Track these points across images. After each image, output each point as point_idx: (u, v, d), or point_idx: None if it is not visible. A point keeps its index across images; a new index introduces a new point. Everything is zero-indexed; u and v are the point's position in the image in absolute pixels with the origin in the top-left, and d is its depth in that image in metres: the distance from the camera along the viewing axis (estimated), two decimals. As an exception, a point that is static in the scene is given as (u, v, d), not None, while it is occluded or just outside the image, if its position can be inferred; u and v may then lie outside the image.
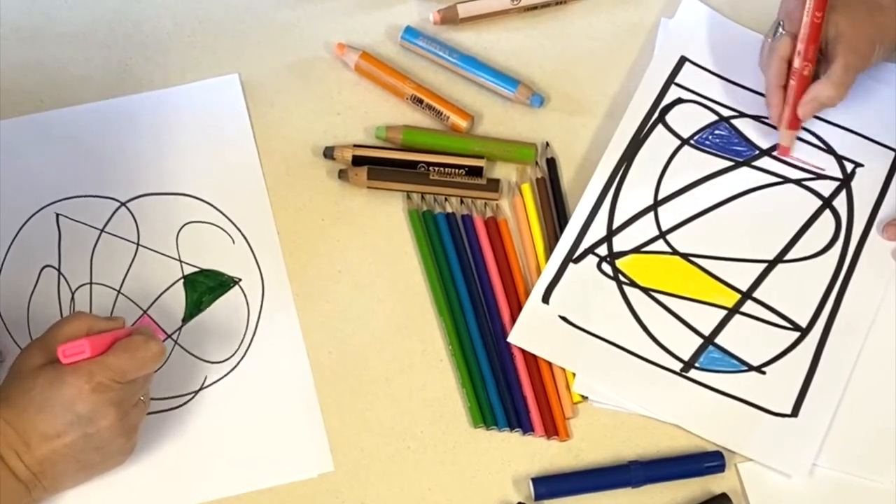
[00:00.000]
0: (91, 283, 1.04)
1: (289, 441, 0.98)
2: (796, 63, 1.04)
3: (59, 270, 1.04)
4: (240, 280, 1.04)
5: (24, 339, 1.00)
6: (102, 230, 1.06)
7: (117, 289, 1.03)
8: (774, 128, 1.09)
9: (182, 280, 1.04)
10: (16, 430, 0.87)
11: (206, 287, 1.04)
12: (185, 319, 1.03)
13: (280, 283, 1.04)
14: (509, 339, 1.01)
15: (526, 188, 1.07)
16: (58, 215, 1.06)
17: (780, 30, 1.05)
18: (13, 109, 1.10)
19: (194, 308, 1.03)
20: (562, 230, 1.06)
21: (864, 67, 1.05)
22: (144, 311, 1.03)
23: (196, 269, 1.05)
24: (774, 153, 1.09)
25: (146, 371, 0.91)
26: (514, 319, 1.02)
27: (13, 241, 1.05)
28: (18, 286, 1.03)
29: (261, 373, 1.01)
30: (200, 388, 1.00)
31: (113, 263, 1.04)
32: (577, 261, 1.04)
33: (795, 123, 1.06)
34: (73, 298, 1.03)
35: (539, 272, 1.04)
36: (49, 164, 1.08)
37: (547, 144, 1.10)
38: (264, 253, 1.05)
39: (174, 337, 1.02)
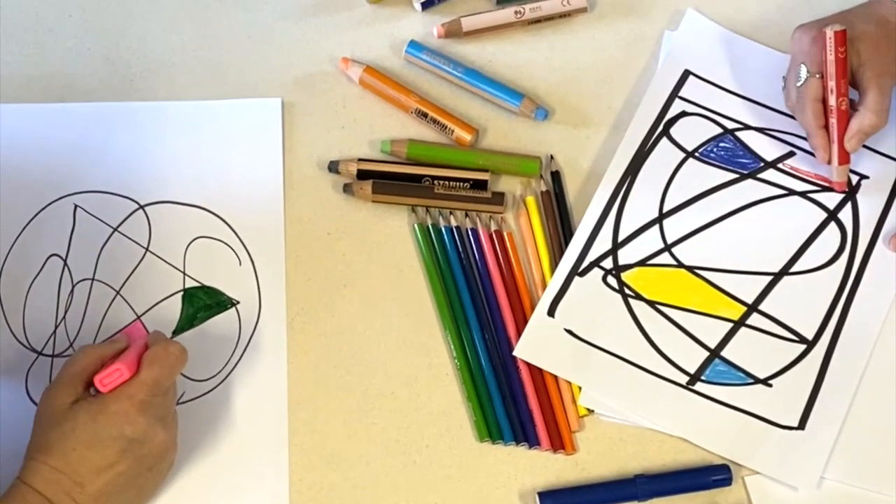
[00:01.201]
0: (93, 280, 1.04)
1: (252, 476, 0.97)
2: (832, 101, 1.04)
3: (65, 261, 1.04)
4: (238, 303, 1.04)
5: (17, 322, 1.02)
6: (116, 229, 1.06)
7: (117, 289, 1.04)
8: (780, 140, 1.09)
9: (182, 292, 1.04)
10: (66, 475, 0.87)
11: (203, 304, 1.04)
12: (176, 332, 1.03)
13: (277, 314, 1.03)
14: (515, 353, 1.01)
15: (531, 201, 1.08)
16: (76, 206, 1.06)
17: (804, 73, 1.05)
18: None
19: (187, 322, 1.03)
20: (567, 243, 1.06)
21: (893, 85, 1.05)
22: (138, 317, 1.03)
23: (198, 284, 1.05)
24: (779, 165, 1.09)
25: (176, 375, 0.92)
26: (519, 333, 1.02)
27: (28, 223, 1.05)
28: (23, 269, 1.04)
29: (238, 400, 1.00)
30: (176, 404, 0.99)
31: (118, 263, 1.05)
32: (582, 274, 1.04)
33: (846, 158, 1.06)
34: (72, 291, 1.03)
35: (544, 285, 1.04)
36: (75, 154, 1.08)
37: (551, 157, 1.10)
38: (268, 281, 1.05)
39: None
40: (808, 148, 1.09)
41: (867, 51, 1.04)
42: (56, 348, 1.02)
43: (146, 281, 1.04)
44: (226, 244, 1.06)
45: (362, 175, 1.08)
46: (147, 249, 1.05)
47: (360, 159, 1.09)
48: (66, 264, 1.04)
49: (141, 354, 0.91)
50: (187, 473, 0.97)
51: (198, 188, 1.08)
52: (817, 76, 1.04)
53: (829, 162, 1.06)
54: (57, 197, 1.06)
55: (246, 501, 0.97)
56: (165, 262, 1.05)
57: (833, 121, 1.05)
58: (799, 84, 1.06)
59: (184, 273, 1.05)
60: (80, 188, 1.07)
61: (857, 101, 1.05)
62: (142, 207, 1.07)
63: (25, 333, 1.02)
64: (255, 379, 1.01)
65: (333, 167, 1.09)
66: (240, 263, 1.05)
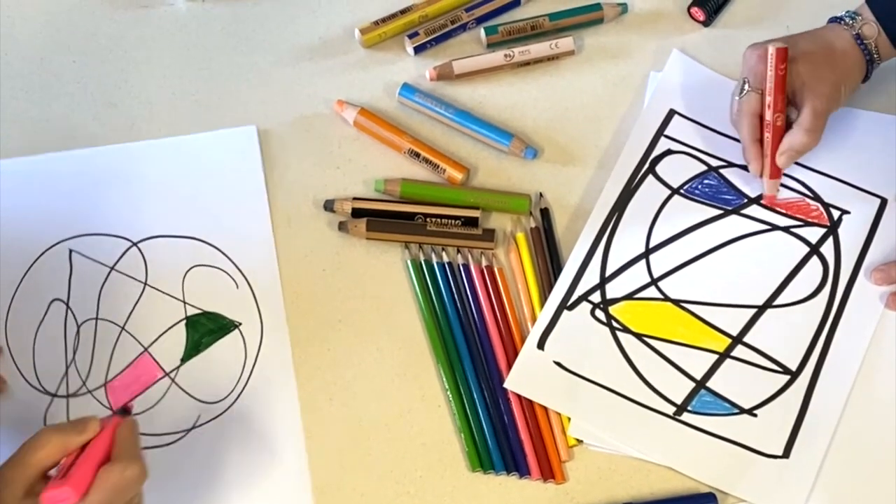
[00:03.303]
0: (97, 319, 1.06)
1: (274, 486, 1.00)
2: (768, 116, 1.08)
3: (67, 304, 1.06)
4: (240, 324, 1.07)
5: (28, 369, 1.04)
6: (112, 268, 1.08)
7: (121, 325, 1.06)
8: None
9: (184, 320, 1.07)
10: None
11: (206, 329, 1.06)
12: (184, 359, 1.05)
13: (279, 329, 1.06)
14: (506, 385, 1.03)
15: (521, 237, 1.10)
16: (71, 251, 1.09)
17: (746, 87, 1.09)
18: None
19: (193, 349, 1.06)
20: (556, 278, 1.08)
21: (832, 110, 1.08)
22: (146, 349, 1.05)
23: (199, 311, 1.07)
24: (762, 202, 1.12)
25: (131, 496, 0.87)
26: (510, 365, 1.04)
27: (26, 273, 1.08)
28: (27, 317, 1.06)
29: (252, 416, 1.03)
30: (192, 427, 1.02)
31: (119, 300, 1.07)
32: (571, 308, 1.07)
33: (777, 173, 1.09)
34: (78, 332, 1.05)
35: (534, 319, 1.07)
36: (65, 201, 1.11)
37: (541, 195, 1.13)
38: (266, 299, 1.08)
39: (172, 375, 1.05)
40: (791, 184, 1.12)
41: (808, 72, 1.07)
42: (70, 388, 1.04)
43: (148, 314, 1.07)
44: (221, 270, 1.09)
45: (357, 213, 1.11)
46: (145, 284, 1.08)
47: (354, 198, 1.11)
48: (68, 307, 1.07)
49: (101, 463, 0.86)
50: (218, 490, 1.00)
51: (187, 219, 1.11)
52: (758, 91, 1.08)
53: (761, 175, 1.09)
54: (52, 244, 1.09)
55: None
56: (165, 293, 1.08)
57: (768, 135, 1.08)
58: (739, 97, 1.09)
59: (184, 302, 1.07)
60: (72, 233, 1.09)
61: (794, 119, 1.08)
62: (135, 244, 1.09)
63: (38, 377, 1.04)
64: (266, 395, 1.04)
65: (329, 206, 1.11)
66: (237, 287, 1.08)
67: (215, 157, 1.14)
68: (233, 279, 1.08)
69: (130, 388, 1.04)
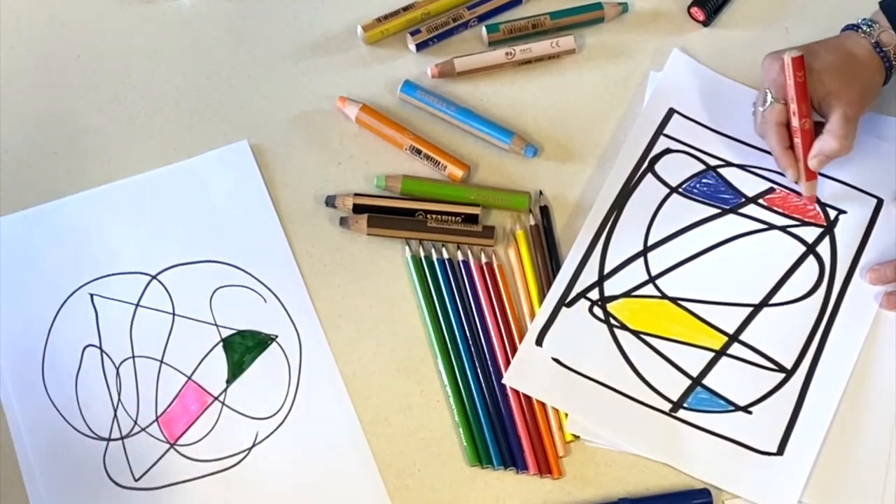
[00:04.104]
0: (133, 357, 1.06)
1: (344, 484, 1.01)
2: (794, 123, 1.08)
3: (100, 348, 1.06)
4: (276, 337, 1.07)
5: (76, 419, 1.03)
6: (137, 304, 1.08)
7: (160, 359, 1.06)
8: (760, 176, 1.13)
9: (221, 343, 1.07)
10: None
11: (244, 347, 1.06)
12: (230, 381, 1.05)
13: (315, 334, 1.07)
14: (504, 381, 1.04)
15: (520, 235, 1.11)
16: (91, 295, 1.09)
17: (769, 98, 1.09)
18: (29, 165, 1.14)
19: (237, 369, 1.06)
20: (555, 275, 1.09)
21: (859, 115, 1.09)
22: (189, 378, 1.05)
23: (233, 331, 1.07)
24: (759, 201, 1.13)
25: None
26: (508, 361, 1.05)
27: (52, 325, 1.07)
28: (63, 368, 1.05)
29: (310, 422, 1.04)
30: (253, 445, 1.03)
31: (152, 335, 1.07)
32: (569, 305, 1.08)
33: (812, 175, 1.10)
34: (118, 374, 1.05)
35: (533, 316, 1.08)
36: (75, 247, 1.10)
37: (541, 193, 1.14)
38: (296, 307, 1.08)
39: (221, 399, 1.05)
40: (788, 184, 1.13)
41: (833, 81, 1.08)
42: (122, 430, 1.04)
43: (184, 343, 1.07)
44: (246, 287, 1.09)
45: (358, 209, 1.12)
46: (174, 314, 1.08)
47: (356, 194, 1.12)
48: (102, 351, 1.06)
49: None
50: (294, 497, 1.01)
51: (200, 244, 1.11)
52: (781, 102, 1.09)
53: (798, 180, 1.10)
54: (71, 292, 1.09)
55: None
56: (195, 320, 1.08)
57: (797, 140, 1.09)
58: (763, 109, 1.10)
59: (216, 325, 1.07)
60: (88, 278, 1.09)
61: (824, 126, 1.08)
62: (154, 277, 1.09)
63: (88, 425, 1.04)
64: (317, 400, 1.04)
65: (330, 201, 1.12)
66: (265, 301, 1.08)
67: (214, 179, 1.14)
68: (259, 294, 1.09)
69: (182, 419, 1.04)
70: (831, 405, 1.04)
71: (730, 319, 1.07)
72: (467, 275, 1.10)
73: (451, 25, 1.21)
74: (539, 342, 1.06)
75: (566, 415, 1.04)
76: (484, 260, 1.10)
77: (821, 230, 1.12)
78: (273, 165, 1.15)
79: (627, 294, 1.09)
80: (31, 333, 1.07)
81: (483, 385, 1.05)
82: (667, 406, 1.04)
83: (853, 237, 1.12)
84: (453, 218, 1.11)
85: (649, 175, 1.14)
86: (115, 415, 1.04)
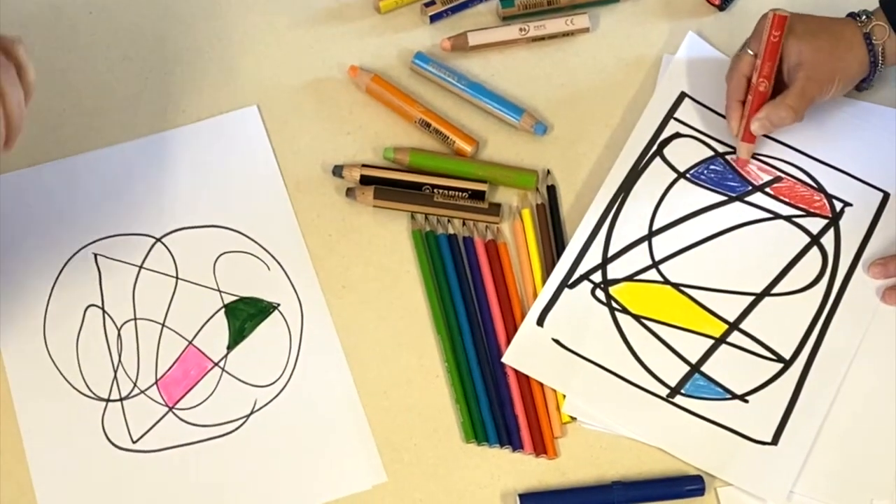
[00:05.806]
0: (135, 319, 1.06)
1: (341, 455, 1.01)
2: (754, 79, 1.09)
3: (102, 308, 1.06)
4: (279, 305, 1.07)
5: (76, 378, 1.04)
6: (141, 266, 1.08)
7: (161, 322, 1.06)
8: (768, 165, 1.13)
9: (223, 309, 1.07)
10: None
11: (246, 314, 1.07)
12: (230, 347, 1.06)
13: (317, 303, 1.07)
14: (503, 360, 1.05)
15: (526, 213, 1.11)
16: (95, 255, 1.09)
17: (746, 48, 1.10)
18: (37, 123, 1.14)
19: (238, 335, 1.06)
20: (559, 255, 1.09)
21: (820, 97, 1.09)
22: (190, 342, 1.05)
23: (235, 298, 1.07)
24: (766, 189, 1.13)
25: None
26: (509, 340, 1.06)
27: (54, 283, 1.07)
28: (65, 327, 1.05)
29: (308, 391, 1.04)
30: (252, 412, 1.03)
31: (154, 298, 1.07)
32: (572, 286, 1.08)
33: (750, 137, 1.11)
34: (119, 335, 1.05)
35: (535, 295, 1.08)
36: (81, 206, 1.10)
37: (548, 172, 1.14)
38: (299, 276, 1.08)
39: (221, 364, 1.05)
40: (795, 174, 1.13)
41: (807, 53, 1.08)
42: (121, 391, 1.04)
43: (186, 307, 1.07)
44: (250, 254, 1.09)
45: (365, 180, 1.12)
46: (177, 278, 1.08)
47: (363, 165, 1.12)
48: (104, 311, 1.06)
49: None
50: (290, 466, 1.01)
51: (206, 208, 1.11)
52: (752, 55, 1.09)
53: (736, 136, 1.11)
54: (75, 251, 1.08)
55: (346, 473, 1.01)
56: (198, 284, 1.08)
57: (750, 97, 1.09)
58: (735, 54, 1.11)
59: (219, 290, 1.08)
60: (92, 237, 1.09)
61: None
62: (159, 240, 1.09)
63: (87, 385, 1.03)
64: (316, 370, 1.05)
65: (338, 171, 1.12)
66: (268, 268, 1.09)
67: (222, 144, 1.14)
68: (262, 261, 1.09)
69: (182, 383, 1.04)
70: (828, 397, 1.04)
71: (731, 307, 1.08)
72: (471, 251, 1.10)
73: (466, -2, 1.21)
74: (540, 322, 1.06)
75: (564, 396, 1.04)
76: (488, 237, 1.10)
77: (826, 221, 1.12)
78: (282, 132, 1.15)
79: (630, 278, 1.09)
80: (33, 289, 1.07)
81: (482, 362, 1.05)
82: (664, 391, 1.04)
83: (858, 230, 1.12)
84: (460, 194, 1.11)
85: (658, 159, 1.14)
86: (115, 376, 1.04)
